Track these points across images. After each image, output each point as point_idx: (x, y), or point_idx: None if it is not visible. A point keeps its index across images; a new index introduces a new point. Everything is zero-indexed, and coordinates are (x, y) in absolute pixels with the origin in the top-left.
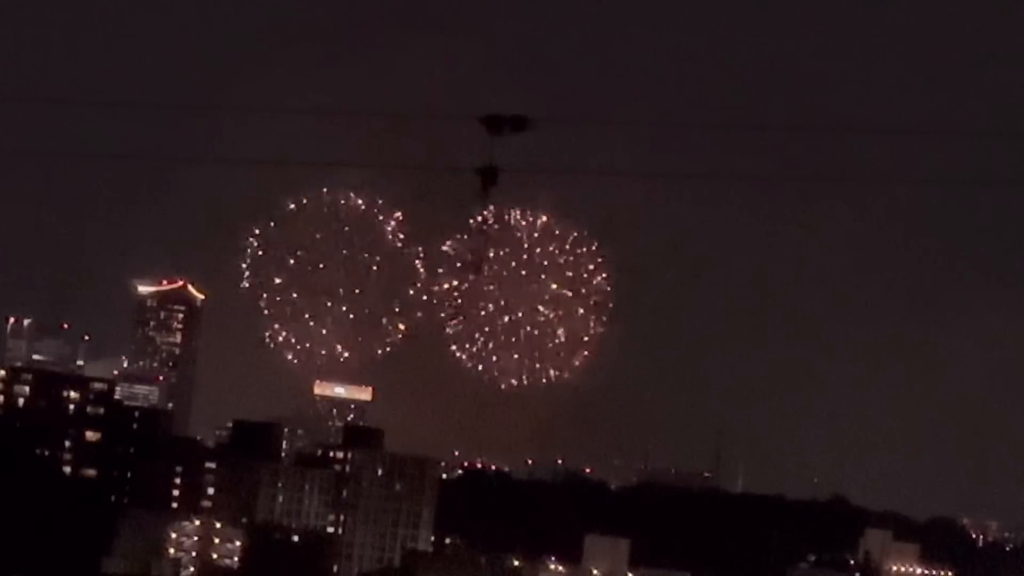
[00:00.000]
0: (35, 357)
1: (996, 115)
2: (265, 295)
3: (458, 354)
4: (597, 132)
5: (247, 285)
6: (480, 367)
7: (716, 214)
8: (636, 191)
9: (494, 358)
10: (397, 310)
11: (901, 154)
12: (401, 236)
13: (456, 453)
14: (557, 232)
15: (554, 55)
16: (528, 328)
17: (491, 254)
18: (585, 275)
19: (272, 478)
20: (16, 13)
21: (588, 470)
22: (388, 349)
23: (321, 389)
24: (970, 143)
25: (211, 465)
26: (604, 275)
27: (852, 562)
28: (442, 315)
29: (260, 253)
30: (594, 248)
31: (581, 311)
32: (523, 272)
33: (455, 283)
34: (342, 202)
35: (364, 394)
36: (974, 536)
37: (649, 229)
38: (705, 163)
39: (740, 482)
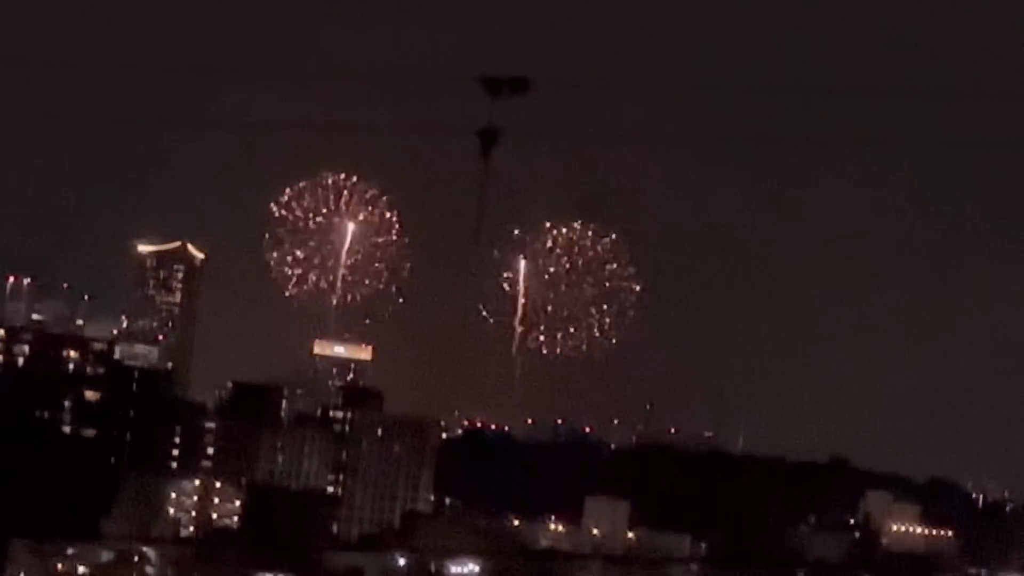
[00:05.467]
0: (34, 317)
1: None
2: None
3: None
4: (602, 95)
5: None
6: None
7: (717, 177)
8: (638, 155)
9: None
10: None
11: (906, 117)
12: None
13: (456, 413)
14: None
15: (558, 14)
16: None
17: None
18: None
19: (272, 439)
20: None
21: (588, 430)
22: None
23: (320, 348)
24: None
25: (211, 425)
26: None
27: (853, 523)
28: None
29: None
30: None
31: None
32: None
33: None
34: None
35: (364, 353)
36: (974, 497)
37: (649, 193)
38: (709, 127)
39: (740, 444)
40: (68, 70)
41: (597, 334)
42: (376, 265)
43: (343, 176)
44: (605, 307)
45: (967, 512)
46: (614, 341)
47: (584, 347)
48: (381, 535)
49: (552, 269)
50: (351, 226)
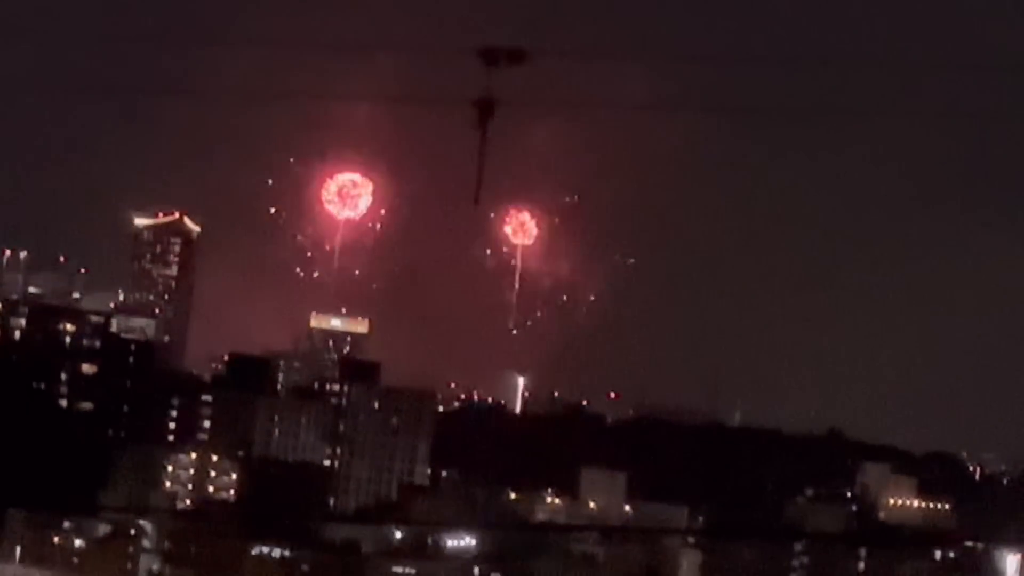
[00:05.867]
0: (31, 290)
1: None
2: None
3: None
4: (597, 65)
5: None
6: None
7: (712, 149)
8: (634, 125)
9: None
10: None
11: (900, 88)
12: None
13: (453, 386)
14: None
15: None
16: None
17: None
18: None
19: (268, 411)
20: None
21: (584, 403)
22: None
23: (317, 321)
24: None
25: (207, 398)
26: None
27: (850, 495)
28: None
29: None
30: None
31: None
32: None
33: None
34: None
35: (361, 326)
36: (971, 469)
37: (645, 165)
38: (702, 97)
39: (737, 417)
40: (64, 40)
41: (585, 311)
42: (372, 236)
43: (340, 150)
44: (598, 278)
45: (964, 485)
46: (608, 314)
47: (577, 319)
48: (378, 508)
49: (546, 242)
50: (348, 202)
